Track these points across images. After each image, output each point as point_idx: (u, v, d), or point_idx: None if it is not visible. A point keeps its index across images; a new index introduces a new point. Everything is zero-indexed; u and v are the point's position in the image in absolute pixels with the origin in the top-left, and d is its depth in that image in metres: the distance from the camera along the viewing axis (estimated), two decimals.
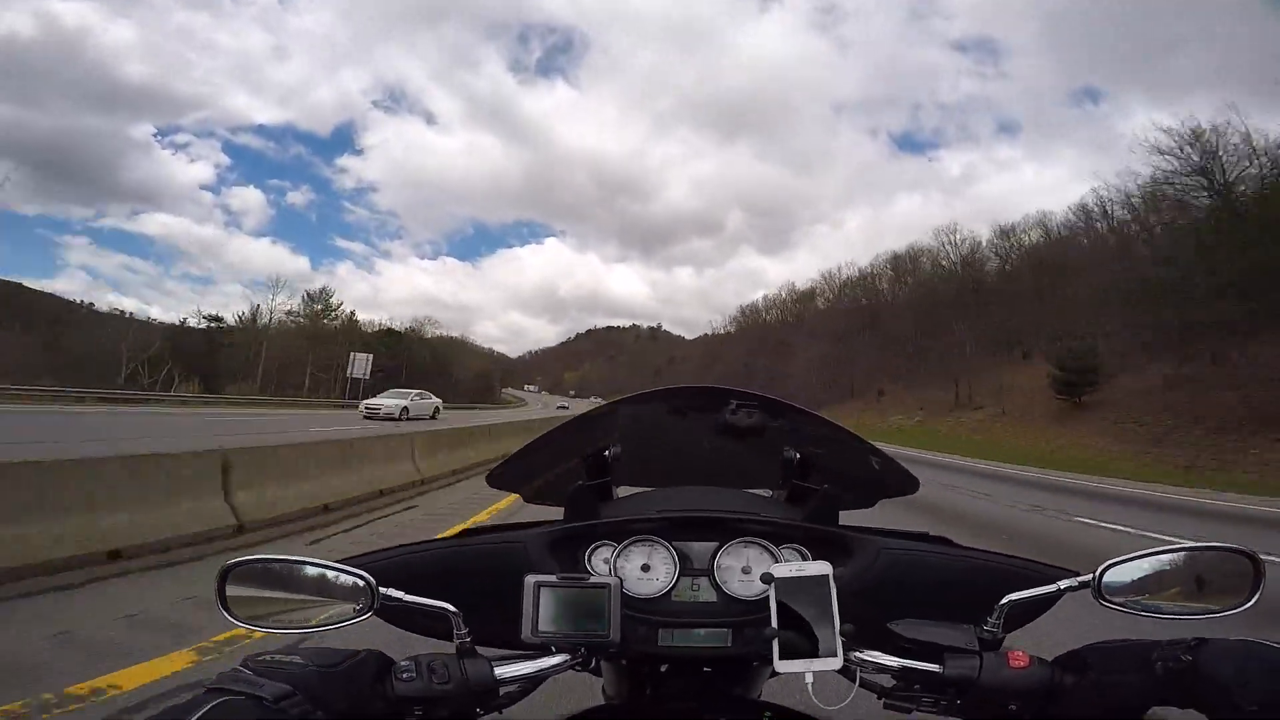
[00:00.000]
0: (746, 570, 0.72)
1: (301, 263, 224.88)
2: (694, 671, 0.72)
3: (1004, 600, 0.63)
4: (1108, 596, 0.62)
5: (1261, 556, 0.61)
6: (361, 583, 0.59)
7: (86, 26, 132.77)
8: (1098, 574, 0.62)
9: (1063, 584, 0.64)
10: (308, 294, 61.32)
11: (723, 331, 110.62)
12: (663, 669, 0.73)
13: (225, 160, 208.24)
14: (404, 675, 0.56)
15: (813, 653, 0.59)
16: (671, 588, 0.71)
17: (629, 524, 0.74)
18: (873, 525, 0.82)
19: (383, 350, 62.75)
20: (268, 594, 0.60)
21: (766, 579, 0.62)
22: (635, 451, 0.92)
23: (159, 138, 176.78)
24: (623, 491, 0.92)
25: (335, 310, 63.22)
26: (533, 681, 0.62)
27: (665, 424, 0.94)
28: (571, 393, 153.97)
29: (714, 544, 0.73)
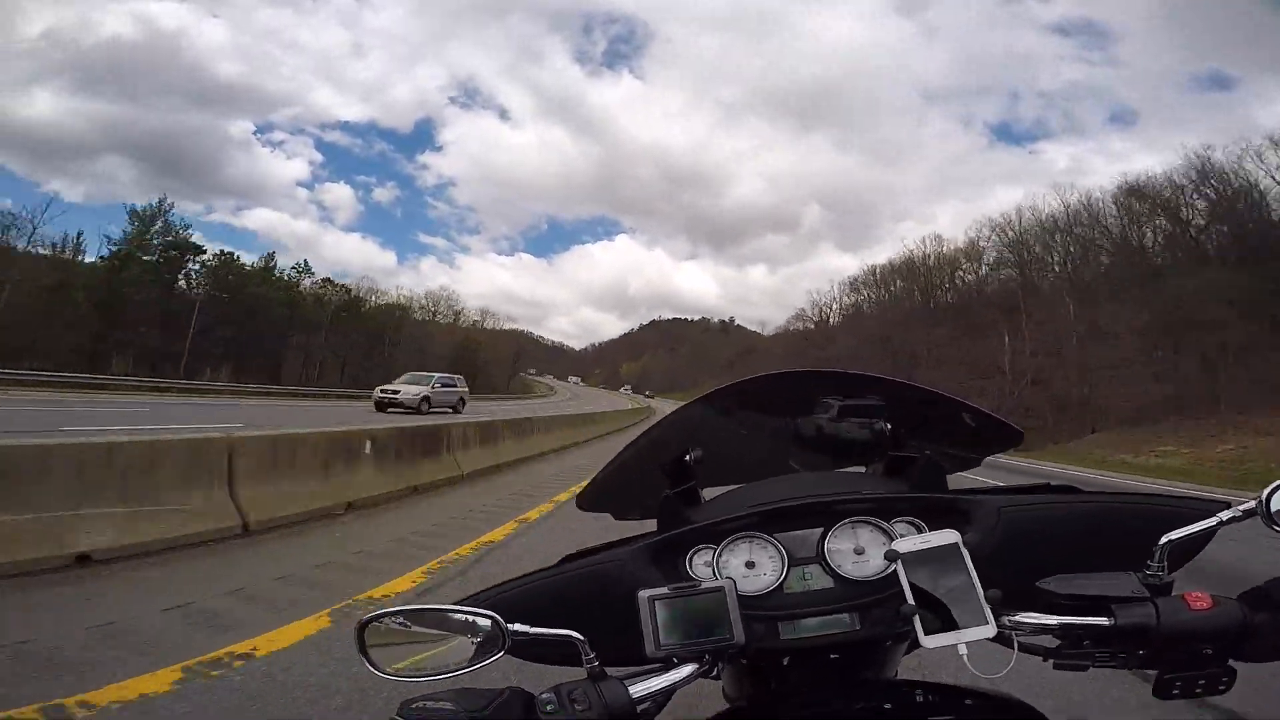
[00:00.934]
0: (859, 551, 0.69)
1: (389, 257, 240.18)
2: (820, 662, 0.69)
3: (1163, 540, 0.59)
4: None
5: None
6: (489, 622, 0.61)
7: (182, 28, 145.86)
8: (1265, 498, 0.57)
9: (1224, 515, 0.59)
10: (134, 212, 38.75)
11: (812, 322, 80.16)
12: (785, 662, 0.71)
13: (318, 157, 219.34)
14: (548, 708, 0.57)
15: (955, 624, 0.56)
16: (782, 580, 0.69)
17: (725, 524, 0.73)
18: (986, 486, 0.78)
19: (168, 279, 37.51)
20: (404, 642, 0.64)
21: (891, 556, 0.61)
22: (716, 450, 0.91)
23: (258, 135, 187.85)
24: (713, 492, 0.90)
25: (176, 235, 38.50)
26: (665, 695, 0.62)
27: (743, 418, 0.93)
28: (625, 387, 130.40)
29: (818, 529, 0.71)
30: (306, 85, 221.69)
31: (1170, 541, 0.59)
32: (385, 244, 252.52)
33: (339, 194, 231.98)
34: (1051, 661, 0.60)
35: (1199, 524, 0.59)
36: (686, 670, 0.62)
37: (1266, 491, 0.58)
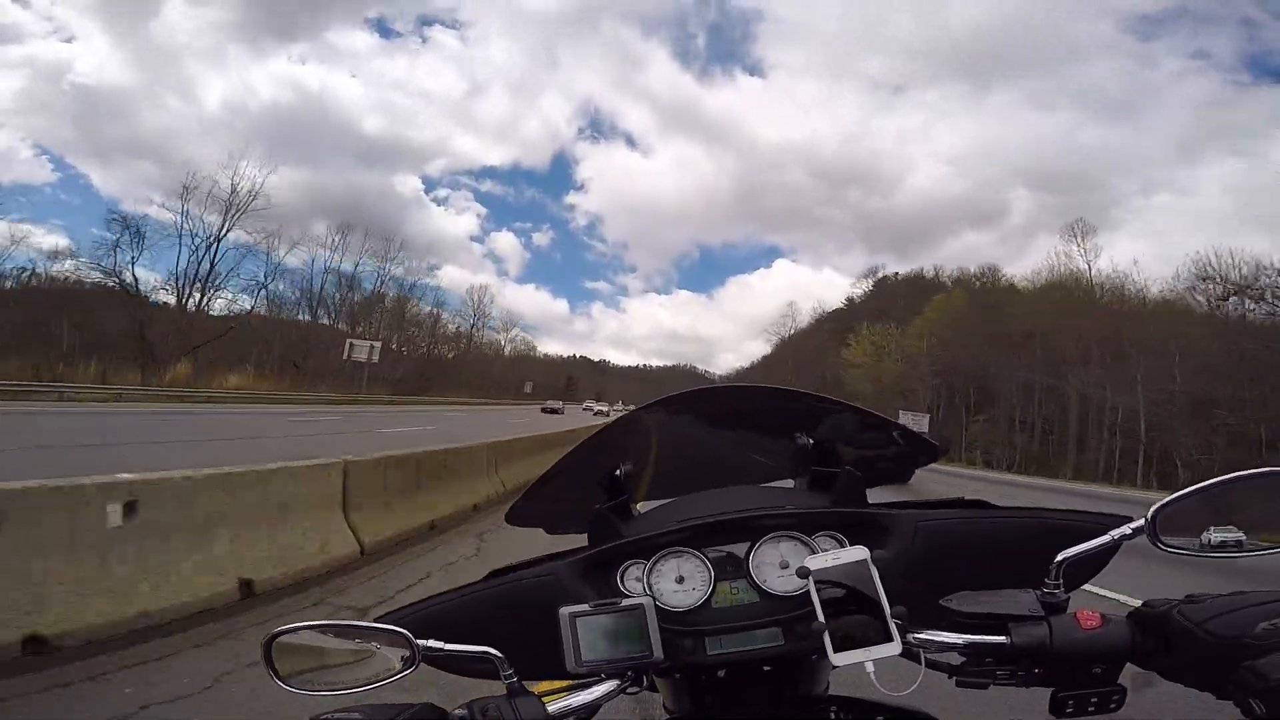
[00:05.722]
0: (784, 565, 0.71)
1: (561, 305, 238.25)
2: (753, 675, 0.71)
3: (1059, 558, 0.61)
4: (1164, 540, 0.59)
5: None
6: (400, 638, 0.61)
7: (325, 87, 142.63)
8: (1150, 517, 0.59)
9: (1116, 533, 0.61)
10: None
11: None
12: (720, 675, 0.72)
13: (481, 209, 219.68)
14: None
15: (869, 640, 0.57)
16: (710, 595, 0.71)
17: (654, 539, 0.74)
18: (907, 500, 0.81)
19: None
20: (314, 658, 0.63)
21: (802, 573, 0.62)
22: (646, 465, 0.94)
23: (427, 193, 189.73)
24: (646, 507, 0.92)
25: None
26: (588, 711, 0.63)
27: (673, 432, 0.95)
28: None
29: (745, 544, 0.73)
30: (446, 133, 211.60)
31: (1066, 559, 0.61)
32: (556, 292, 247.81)
33: (505, 243, 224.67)
34: (955, 679, 0.61)
35: (1093, 541, 0.61)
36: (608, 686, 0.63)
37: (1153, 510, 0.60)
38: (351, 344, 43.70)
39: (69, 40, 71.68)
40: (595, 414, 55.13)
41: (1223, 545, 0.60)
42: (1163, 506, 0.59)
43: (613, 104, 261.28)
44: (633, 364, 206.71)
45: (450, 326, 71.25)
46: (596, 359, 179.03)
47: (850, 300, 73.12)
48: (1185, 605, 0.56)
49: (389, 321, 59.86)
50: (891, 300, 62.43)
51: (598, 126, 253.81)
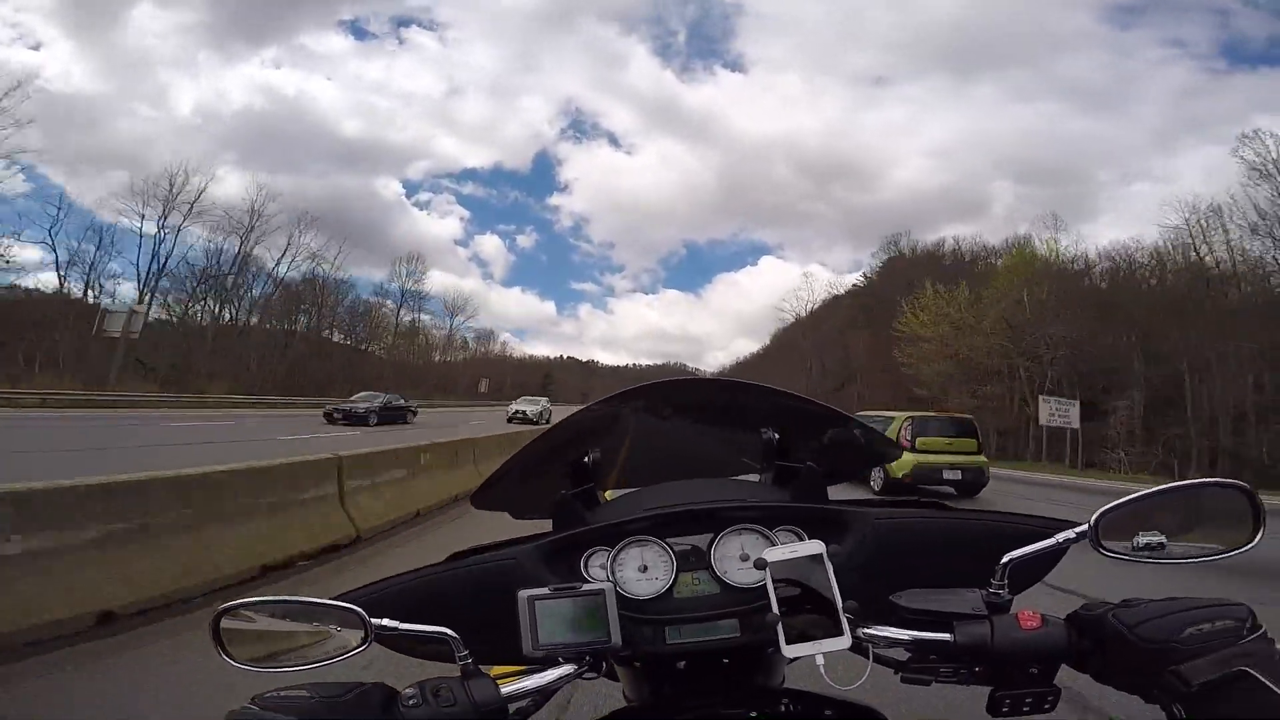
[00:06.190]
0: (744, 558, 0.72)
1: (549, 308, 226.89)
2: (712, 665, 0.72)
3: (1005, 559, 0.63)
4: (1106, 545, 0.62)
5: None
6: (353, 616, 0.60)
7: (301, 90, 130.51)
8: (1093, 522, 0.61)
9: (1060, 537, 0.63)
10: None
11: None
12: (680, 665, 0.73)
13: (464, 213, 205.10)
14: (410, 702, 0.57)
15: (821, 634, 0.59)
16: (671, 585, 0.71)
17: (619, 527, 0.74)
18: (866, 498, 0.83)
19: None
20: (265, 634, 0.62)
21: (760, 564, 0.63)
22: (616, 453, 0.94)
23: (408, 196, 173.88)
24: (613, 495, 0.92)
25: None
26: (543, 694, 0.63)
27: (642, 422, 0.96)
28: None
29: (708, 535, 0.74)
30: (426, 135, 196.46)
31: (1012, 560, 0.62)
32: (544, 294, 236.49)
33: (489, 246, 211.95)
34: (900, 675, 0.63)
35: (1038, 544, 0.63)
36: (564, 670, 0.63)
37: (1095, 515, 0.61)
38: (105, 313, 31.21)
39: (35, 47, 64.48)
40: (513, 418, 29.42)
41: (1147, 548, 0.63)
42: (1105, 513, 0.62)
43: (594, 103, 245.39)
44: (622, 364, 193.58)
45: (391, 318, 62.13)
46: (585, 359, 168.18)
47: (867, 277, 60.10)
48: (1120, 609, 0.58)
49: (280, 308, 48.40)
50: (910, 277, 47.05)
51: (579, 126, 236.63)
